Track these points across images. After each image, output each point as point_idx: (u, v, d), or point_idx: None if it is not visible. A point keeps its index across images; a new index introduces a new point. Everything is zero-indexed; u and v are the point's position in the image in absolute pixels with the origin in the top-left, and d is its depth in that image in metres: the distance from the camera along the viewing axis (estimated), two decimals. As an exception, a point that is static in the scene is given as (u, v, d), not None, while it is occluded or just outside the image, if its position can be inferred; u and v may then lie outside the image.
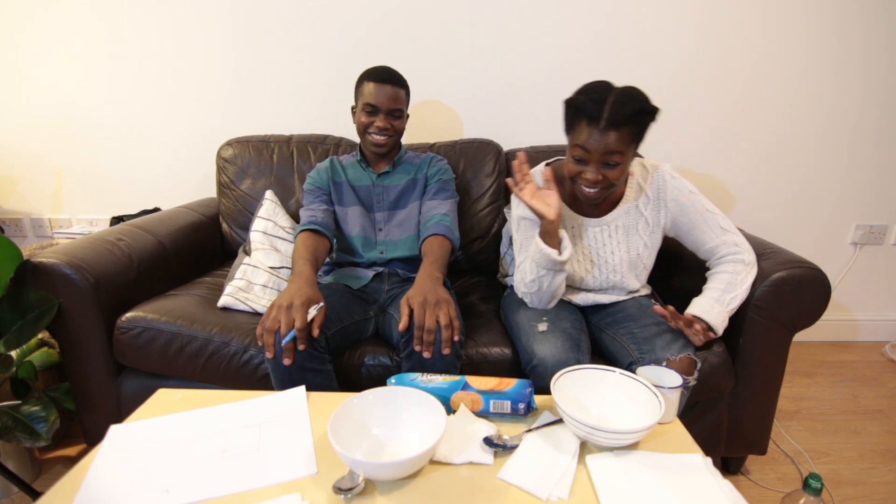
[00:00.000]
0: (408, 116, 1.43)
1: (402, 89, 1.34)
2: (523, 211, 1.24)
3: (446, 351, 1.01)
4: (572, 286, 1.28)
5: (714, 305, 1.12)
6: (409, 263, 1.39)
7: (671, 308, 1.09)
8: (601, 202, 1.21)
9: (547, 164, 1.26)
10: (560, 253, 1.10)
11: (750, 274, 1.16)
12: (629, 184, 1.21)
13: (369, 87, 1.31)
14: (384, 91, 1.30)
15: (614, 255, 1.22)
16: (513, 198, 1.27)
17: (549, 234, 1.10)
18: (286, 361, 0.98)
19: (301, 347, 0.99)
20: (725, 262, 1.17)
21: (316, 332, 1.00)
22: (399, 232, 1.39)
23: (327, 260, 1.42)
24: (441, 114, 1.89)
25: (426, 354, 1.01)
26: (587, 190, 1.10)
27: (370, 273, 1.35)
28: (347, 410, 0.77)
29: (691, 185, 1.19)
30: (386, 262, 1.38)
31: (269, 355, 0.99)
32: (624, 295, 1.27)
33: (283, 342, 0.97)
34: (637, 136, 1.04)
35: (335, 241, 1.36)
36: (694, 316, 1.11)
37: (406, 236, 1.39)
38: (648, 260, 1.24)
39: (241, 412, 0.87)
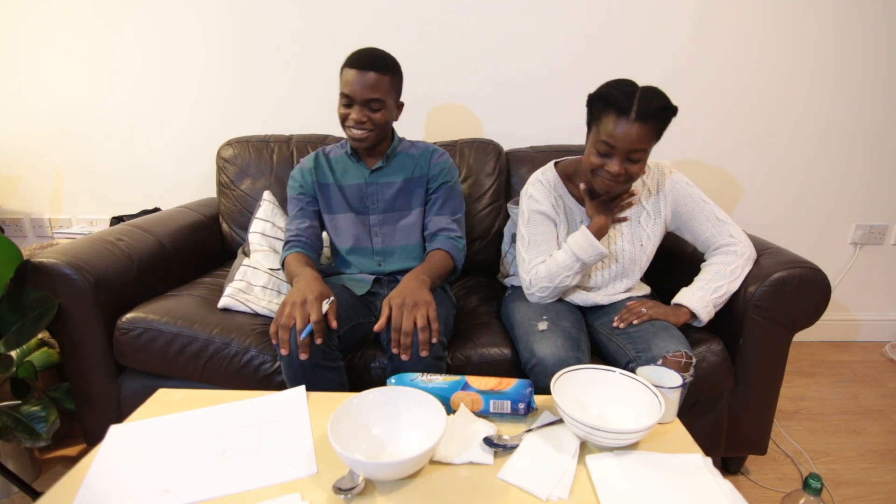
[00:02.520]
0: (401, 105, 1.27)
1: (385, 75, 1.17)
2: (536, 205, 1.23)
3: (423, 353, 1.00)
4: (581, 283, 1.29)
5: (696, 293, 1.17)
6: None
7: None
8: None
9: (556, 163, 1.29)
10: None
11: (742, 265, 1.18)
12: None
13: (346, 74, 1.17)
14: (360, 79, 1.15)
15: (617, 246, 1.25)
16: (525, 190, 1.28)
17: (601, 232, 1.16)
18: (303, 356, 0.97)
19: (318, 341, 0.98)
20: (718, 254, 1.21)
21: (334, 324, 1.00)
22: (399, 239, 1.30)
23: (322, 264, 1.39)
24: (440, 113, 1.89)
25: (404, 357, 1.00)
26: (608, 183, 1.10)
27: (370, 278, 1.29)
28: (347, 410, 0.77)
29: (688, 178, 1.24)
30: (387, 274, 1.32)
31: (283, 352, 0.98)
32: (623, 290, 1.28)
33: (301, 337, 0.96)
34: (658, 133, 1.06)
35: (329, 246, 1.32)
36: (675, 304, 1.18)
37: (406, 245, 1.30)
38: (651, 251, 1.27)
39: (241, 412, 0.87)
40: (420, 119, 1.87)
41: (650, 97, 1.02)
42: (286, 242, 1.26)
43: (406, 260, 1.31)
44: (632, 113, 1.01)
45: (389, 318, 1.01)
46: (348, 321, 1.14)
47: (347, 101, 1.18)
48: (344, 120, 1.20)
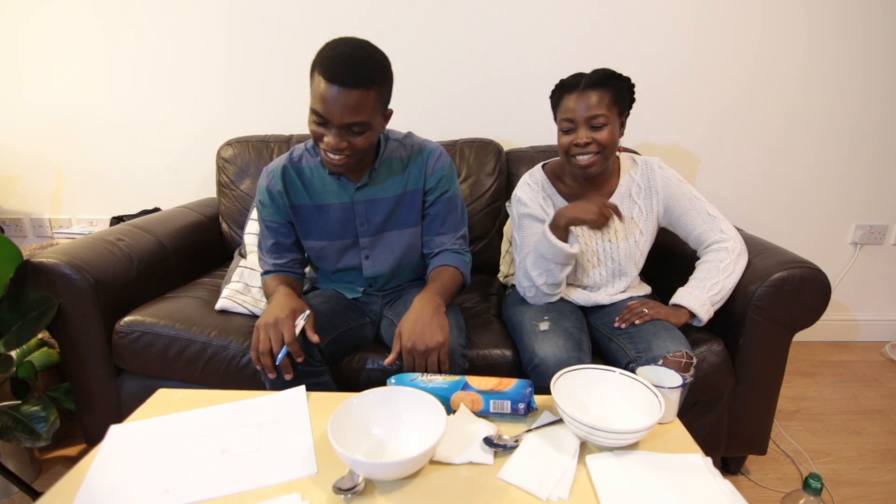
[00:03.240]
0: (389, 114, 1.04)
1: (371, 90, 0.92)
2: (525, 209, 1.25)
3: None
4: (575, 282, 1.29)
5: (693, 292, 1.17)
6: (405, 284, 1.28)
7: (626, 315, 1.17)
8: (598, 185, 1.24)
9: (543, 165, 1.30)
10: (571, 246, 1.14)
11: (736, 262, 1.19)
12: (622, 176, 1.26)
13: (319, 85, 0.91)
14: (340, 98, 0.90)
15: (611, 244, 1.25)
16: (514, 195, 1.29)
17: (559, 228, 1.13)
18: (287, 377, 0.95)
19: (299, 360, 0.95)
20: (710, 252, 1.22)
21: (314, 338, 0.96)
22: (393, 260, 1.17)
23: (306, 273, 1.29)
24: (440, 113, 1.88)
25: None
26: (580, 159, 1.14)
27: (360, 290, 1.24)
28: (347, 410, 0.77)
29: (678, 174, 1.25)
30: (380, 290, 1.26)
31: (272, 376, 0.95)
32: (623, 289, 1.28)
33: (277, 360, 0.92)
34: (616, 100, 1.12)
35: (313, 268, 1.26)
36: (673, 304, 1.18)
37: (399, 264, 1.19)
38: (645, 247, 1.28)
39: (241, 412, 0.87)
40: (418, 118, 1.87)
41: (596, 70, 1.12)
42: (264, 272, 1.17)
43: (400, 278, 1.24)
44: (580, 85, 1.11)
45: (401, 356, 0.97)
46: (332, 331, 1.10)
47: (321, 120, 0.94)
48: (317, 140, 0.98)
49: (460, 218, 1.20)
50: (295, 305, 0.98)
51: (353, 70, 0.90)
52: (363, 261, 1.17)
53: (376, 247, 1.16)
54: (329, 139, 0.95)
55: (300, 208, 1.12)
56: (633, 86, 1.15)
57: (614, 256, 1.26)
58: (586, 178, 1.21)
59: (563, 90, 1.14)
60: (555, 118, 1.19)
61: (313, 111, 0.94)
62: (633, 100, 1.17)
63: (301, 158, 1.12)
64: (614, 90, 1.11)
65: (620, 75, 1.13)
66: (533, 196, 1.25)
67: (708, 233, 1.22)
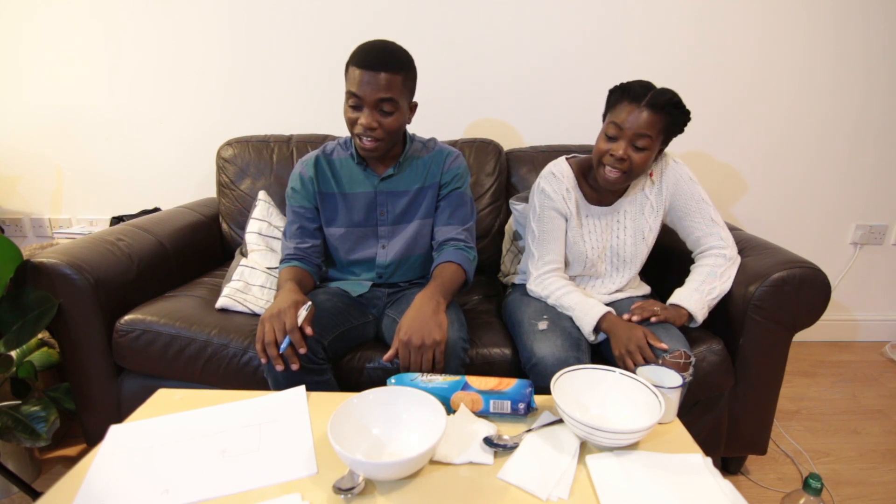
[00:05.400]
0: (414, 106, 1.17)
1: (397, 74, 1.05)
2: (549, 202, 1.23)
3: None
4: (583, 273, 1.29)
5: (692, 294, 1.18)
6: (413, 280, 1.31)
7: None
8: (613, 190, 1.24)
9: (567, 159, 1.28)
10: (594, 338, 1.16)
11: (731, 268, 1.22)
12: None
13: (353, 73, 1.05)
14: (370, 79, 1.03)
15: (619, 239, 1.26)
16: (534, 187, 1.28)
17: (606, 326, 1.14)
18: (294, 367, 0.96)
19: (302, 351, 0.96)
20: (708, 256, 1.23)
21: (308, 330, 0.97)
22: (407, 251, 1.23)
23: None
24: (441, 112, 1.88)
25: None
26: (610, 171, 1.13)
27: (368, 284, 1.26)
28: (347, 410, 0.77)
29: (692, 173, 1.25)
30: (388, 284, 1.29)
31: (280, 368, 0.95)
32: (623, 283, 1.29)
33: (281, 349, 0.94)
34: (666, 129, 1.11)
35: (325, 260, 1.28)
36: (672, 304, 1.19)
37: (411, 255, 1.24)
38: (651, 242, 1.29)
39: (241, 412, 0.87)
40: (419, 118, 1.86)
41: (663, 91, 1.09)
42: (283, 258, 1.21)
43: (410, 271, 1.27)
44: (644, 100, 1.08)
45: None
46: (336, 328, 1.11)
47: (356, 101, 1.06)
48: (352, 125, 1.09)
49: (468, 213, 1.24)
50: (298, 298, 1.01)
51: (382, 56, 1.05)
52: (379, 250, 1.23)
53: (393, 236, 1.23)
54: (362, 119, 1.06)
55: (327, 195, 1.20)
56: (688, 120, 1.13)
57: (620, 253, 1.26)
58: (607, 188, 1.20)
59: (624, 95, 1.11)
60: (603, 115, 1.16)
61: (349, 95, 1.06)
62: (681, 131, 1.15)
63: (333, 151, 1.23)
64: (670, 119, 1.10)
65: (684, 107, 1.11)
66: (557, 188, 1.23)
67: (707, 237, 1.23)
